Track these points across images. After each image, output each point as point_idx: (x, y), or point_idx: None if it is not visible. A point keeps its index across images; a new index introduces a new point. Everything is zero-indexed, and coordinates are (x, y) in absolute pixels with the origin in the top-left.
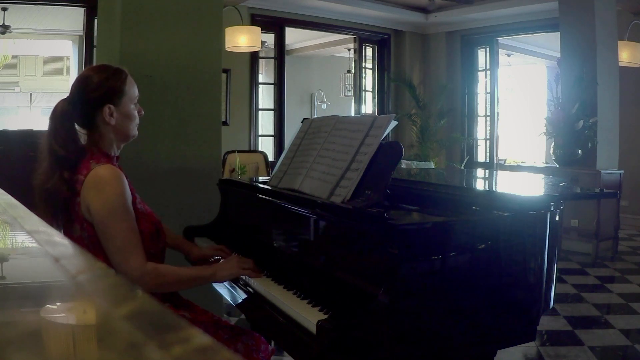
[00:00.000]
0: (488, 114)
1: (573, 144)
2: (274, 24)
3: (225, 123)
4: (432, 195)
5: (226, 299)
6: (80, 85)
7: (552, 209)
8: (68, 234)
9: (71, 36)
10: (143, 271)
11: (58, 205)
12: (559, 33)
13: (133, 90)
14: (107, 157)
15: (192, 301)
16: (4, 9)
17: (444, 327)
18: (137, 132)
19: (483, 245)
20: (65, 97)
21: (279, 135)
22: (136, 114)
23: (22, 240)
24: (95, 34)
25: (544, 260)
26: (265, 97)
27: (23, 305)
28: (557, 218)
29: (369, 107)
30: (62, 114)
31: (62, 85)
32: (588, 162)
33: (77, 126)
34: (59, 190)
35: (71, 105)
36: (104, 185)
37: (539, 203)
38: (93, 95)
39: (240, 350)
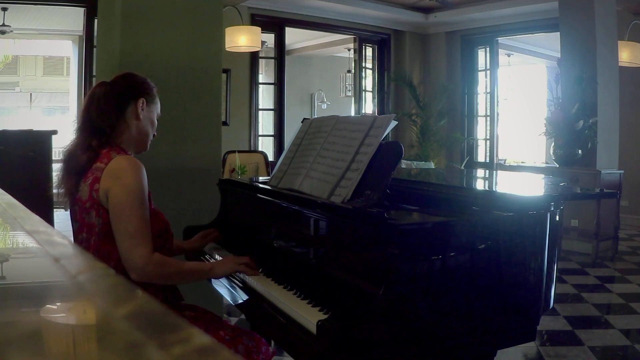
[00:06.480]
0: (488, 114)
1: (573, 144)
2: (274, 24)
3: (225, 123)
4: (432, 195)
5: (226, 299)
6: (126, 75)
7: (552, 209)
8: (82, 219)
9: (71, 36)
10: (148, 260)
11: (74, 171)
12: (559, 33)
13: (159, 106)
14: (126, 153)
15: (193, 302)
16: (4, 9)
17: (444, 327)
18: (148, 147)
19: (483, 246)
20: (105, 80)
21: (279, 135)
22: (155, 127)
23: (22, 240)
24: (95, 34)
25: (544, 260)
26: (265, 97)
27: (23, 305)
28: (557, 218)
29: (369, 107)
30: (104, 93)
31: (62, 85)
32: (588, 162)
33: None
34: (81, 156)
35: (111, 88)
36: (125, 173)
37: (539, 203)
38: (136, 85)
39: (240, 351)
